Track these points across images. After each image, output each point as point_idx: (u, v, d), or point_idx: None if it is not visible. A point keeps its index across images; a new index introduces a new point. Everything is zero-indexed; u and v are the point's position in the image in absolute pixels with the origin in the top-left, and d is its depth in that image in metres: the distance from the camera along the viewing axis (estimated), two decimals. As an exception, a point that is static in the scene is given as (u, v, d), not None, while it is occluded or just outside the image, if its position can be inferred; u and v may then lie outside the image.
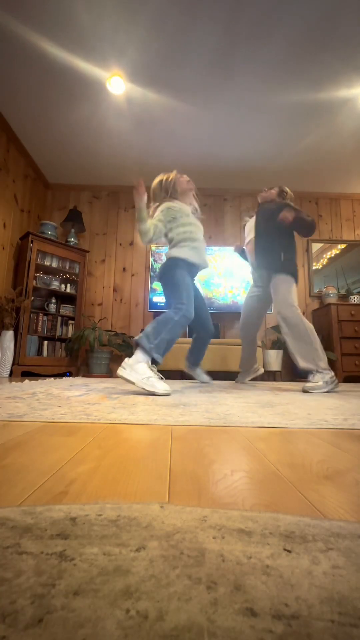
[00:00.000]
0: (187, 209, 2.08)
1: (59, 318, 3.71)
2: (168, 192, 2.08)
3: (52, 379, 2.88)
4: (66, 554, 0.24)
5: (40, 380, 2.51)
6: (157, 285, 4.05)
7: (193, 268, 2.04)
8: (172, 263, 1.96)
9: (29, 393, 1.44)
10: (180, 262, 1.97)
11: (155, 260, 4.13)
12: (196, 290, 2.20)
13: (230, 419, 0.87)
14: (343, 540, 0.27)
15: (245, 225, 2.66)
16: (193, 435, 0.69)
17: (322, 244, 4.40)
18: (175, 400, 1.32)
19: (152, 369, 1.62)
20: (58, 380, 2.54)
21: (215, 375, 3.74)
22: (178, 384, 2.51)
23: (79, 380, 2.75)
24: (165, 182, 2.09)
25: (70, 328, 3.81)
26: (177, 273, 1.93)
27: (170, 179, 2.10)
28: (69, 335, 3.76)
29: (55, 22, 2.31)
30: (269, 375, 3.90)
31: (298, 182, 4.26)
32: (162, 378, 1.63)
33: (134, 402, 1.20)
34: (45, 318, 3.59)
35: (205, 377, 2.56)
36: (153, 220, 1.94)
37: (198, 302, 2.14)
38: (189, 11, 2.23)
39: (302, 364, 2.05)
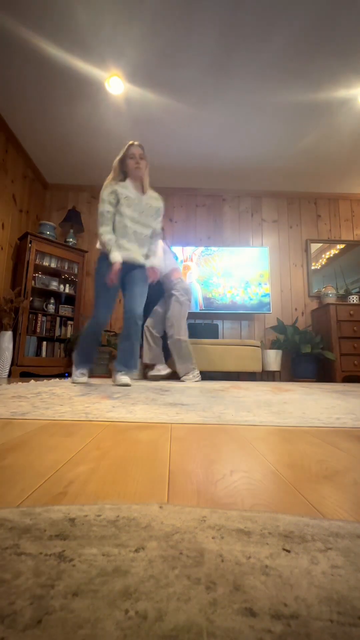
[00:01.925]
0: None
1: (58, 318, 3.71)
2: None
3: (57, 379, 2.88)
4: (65, 555, 0.24)
5: (45, 381, 2.51)
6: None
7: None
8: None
9: (33, 392, 1.45)
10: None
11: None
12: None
13: (224, 418, 0.89)
14: (342, 540, 0.27)
15: None
16: (192, 436, 0.69)
17: (320, 244, 4.40)
18: (175, 399, 1.32)
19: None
20: (62, 381, 2.54)
21: (214, 375, 3.74)
22: (181, 384, 2.51)
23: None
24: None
25: (69, 328, 3.81)
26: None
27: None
28: (68, 335, 3.75)
29: (54, 22, 2.31)
30: (269, 375, 3.90)
31: (297, 182, 4.27)
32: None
33: (134, 402, 1.20)
34: (44, 318, 3.59)
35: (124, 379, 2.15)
36: None
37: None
38: (188, 11, 2.23)
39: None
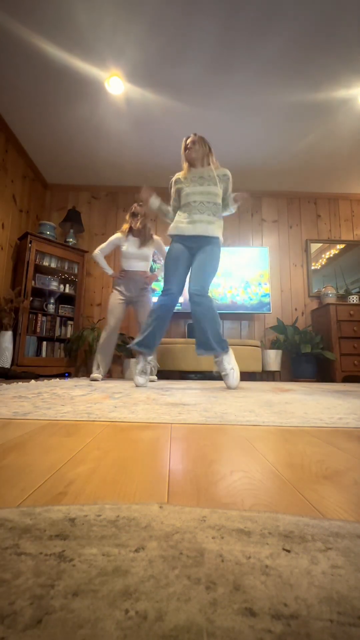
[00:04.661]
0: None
1: (58, 318, 3.71)
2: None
3: (57, 379, 2.88)
4: (65, 555, 0.24)
5: (45, 381, 2.51)
6: (156, 286, 4.05)
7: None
8: None
9: (34, 392, 1.44)
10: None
11: (154, 261, 4.13)
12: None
13: (226, 418, 0.89)
14: (342, 539, 0.27)
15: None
16: (192, 436, 0.69)
17: (320, 244, 4.40)
18: (176, 399, 1.32)
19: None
20: (63, 381, 2.54)
21: (215, 375, 3.74)
22: (181, 384, 2.51)
23: (83, 380, 2.75)
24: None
25: (69, 328, 3.81)
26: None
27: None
28: (68, 335, 3.75)
29: (54, 22, 2.31)
30: (268, 375, 3.90)
31: (297, 182, 4.27)
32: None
33: (135, 402, 1.20)
34: (44, 318, 3.59)
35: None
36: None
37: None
38: (188, 11, 2.23)
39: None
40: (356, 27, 2.32)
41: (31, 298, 3.42)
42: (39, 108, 3.11)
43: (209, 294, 2.07)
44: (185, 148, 2.31)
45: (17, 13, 2.26)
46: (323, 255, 4.40)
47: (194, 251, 2.17)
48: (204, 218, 2.13)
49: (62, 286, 3.81)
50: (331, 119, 3.18)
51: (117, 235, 2.98)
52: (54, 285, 3.70)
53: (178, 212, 2.25)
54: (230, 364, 2.04)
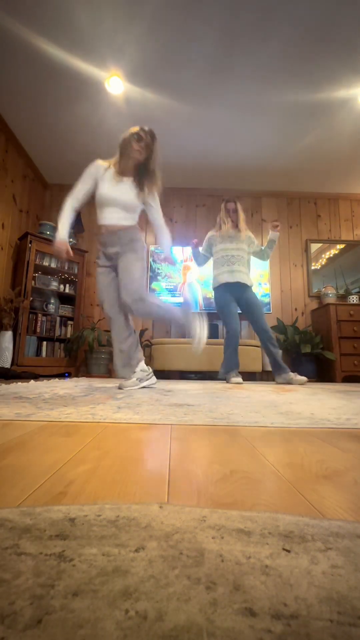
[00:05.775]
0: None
1: (58, 318, 3.71)
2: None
3: (56, 379, 2.88)
4: (65, 555, 0.24)
5: (45, 381, 2.51)
6: (156, 286, 4.05)
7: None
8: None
9: (34, 393, 1.44)
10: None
11: (154, 261, 4.13)
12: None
13: (233, 419, 0.87)
14: (342, 539, 0.27)
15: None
16: (192, 436, 0.69)
17: (320, 244, 4.40)
18: (180, 400, 1.32)
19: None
20: (63, 381, 2.54)
21: (215, 375, 3.74)
22: (183, 384, 2.51)
23: (83, 381, 2.74)
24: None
25: (69, 328, 3.81)
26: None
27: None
28: (68, 335, 3.75)
29: (54, 22, 2.31)
30: (269, 375, 3.90)
31: (297, 182, 4.27)
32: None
33: (139, 403, 1.20)
34: (44, 318, 3.59)
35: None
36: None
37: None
38: (188, 11, 2.23)
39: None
40: (356, 27, 2.32)
41: (31, 298, 3.42)
42: (39, 108, 3.11)
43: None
44: (227, 210, 2.94)
45: (17, 13, 2.26)
46: (323, 255, 4.40)
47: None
48: (232, 269, 2.87)
49: (62, 286, 3.81)
50: (331, 119, 3.18)
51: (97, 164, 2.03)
52: (54, 285, 3.70)
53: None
54: None
